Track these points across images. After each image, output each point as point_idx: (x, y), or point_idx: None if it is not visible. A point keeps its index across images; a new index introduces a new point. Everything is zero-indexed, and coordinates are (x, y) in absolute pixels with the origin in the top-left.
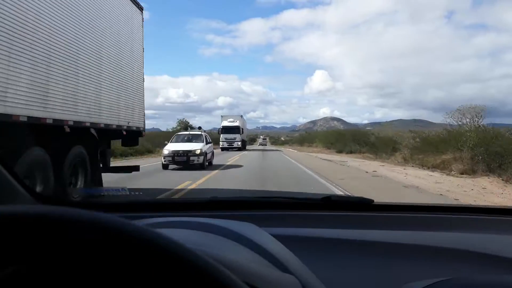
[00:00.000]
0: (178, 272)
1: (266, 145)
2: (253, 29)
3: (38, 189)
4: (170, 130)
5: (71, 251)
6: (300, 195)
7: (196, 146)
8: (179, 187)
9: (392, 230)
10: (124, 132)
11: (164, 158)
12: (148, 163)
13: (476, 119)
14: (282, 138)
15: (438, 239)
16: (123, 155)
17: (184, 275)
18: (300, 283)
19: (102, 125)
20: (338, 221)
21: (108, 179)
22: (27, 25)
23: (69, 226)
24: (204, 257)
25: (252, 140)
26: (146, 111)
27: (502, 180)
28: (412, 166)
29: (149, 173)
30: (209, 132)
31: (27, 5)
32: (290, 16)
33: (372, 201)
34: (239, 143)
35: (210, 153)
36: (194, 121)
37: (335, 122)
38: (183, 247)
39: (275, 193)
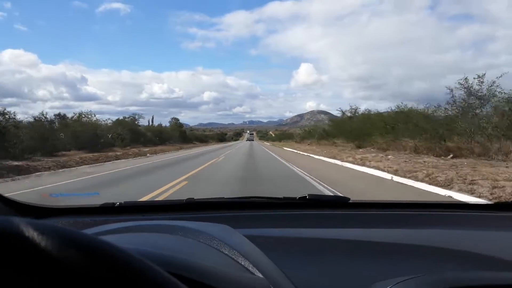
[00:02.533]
0: (104, 274)
1: (253, 140)
2: (237, 22)
3: None
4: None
5: None
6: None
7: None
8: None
9: (367, 228)
10: None
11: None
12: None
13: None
14: (271, 133)
15: (412, 236)
16: None
17: (110, 276)
18: (270, 285)
19: None
20: (314, 220)
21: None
22: None
23: None
24: (137, 257)
25: (238, 135)
26: (130, 108)
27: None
28: None
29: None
30: (195, 128)
31: None
32: (274, 8)
33: (349, 199)
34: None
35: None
36: (180, 117)
37: (322, 115)
38: (121, 250)
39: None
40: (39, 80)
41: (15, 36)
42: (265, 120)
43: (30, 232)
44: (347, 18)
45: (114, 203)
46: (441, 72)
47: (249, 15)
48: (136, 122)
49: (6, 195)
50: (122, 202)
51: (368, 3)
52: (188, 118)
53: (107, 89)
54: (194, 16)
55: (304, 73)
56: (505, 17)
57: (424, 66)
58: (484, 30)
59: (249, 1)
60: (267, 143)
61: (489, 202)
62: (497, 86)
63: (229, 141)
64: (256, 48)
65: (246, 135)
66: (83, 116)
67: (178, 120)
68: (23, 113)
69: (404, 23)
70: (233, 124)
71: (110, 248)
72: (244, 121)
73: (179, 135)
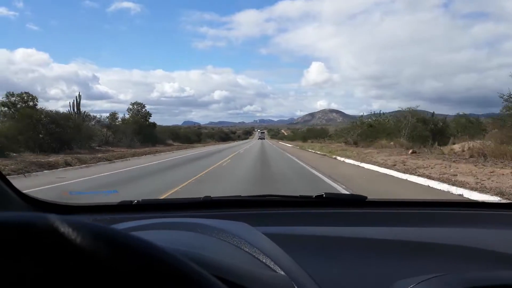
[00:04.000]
0: (153, 275)
1: (264, 139)
2: (247, 21)
3: None
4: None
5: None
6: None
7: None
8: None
9: (385, 227)
10: None
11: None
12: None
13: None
14: (283, 131)
15: (431, 235)
16: None
17: (160, 278)
18: (292, 282)
19: None
20: (332, 218)
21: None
22: None
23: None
24: (182, 259)
25: (247, 134)
26: None
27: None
28: None
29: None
30: (205, 126)
31: None
32: (285, 7)
33: (366, 197)
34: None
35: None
36: (191, 116)
37: (334, 114)
38: (156, 248)
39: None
40: (51, 79)
41: (27, 35)
42: (275, 119)
43: (66, 228)
44: (359, 17)
45: (131, 201)
46: (454, 71)
47: (260, 14)
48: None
49: (26, 191)
50: (140, 200)
51: (380, 2)
52: (198, 117)
53: (119, 88)
54: (204, 15)
55: (315, 72)
56: None
57: (436, 65)
58: (499, 28)
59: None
60: (288, 145)
61: (508, 201)
62: None
63: (235, 140)
64: (266, 47)
65: (257, 134)
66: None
67: (143, 106)
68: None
69: (416, 22)
70: (243, 122)
71: (142, 244)
72: (254, 120)
73: (142, 131)
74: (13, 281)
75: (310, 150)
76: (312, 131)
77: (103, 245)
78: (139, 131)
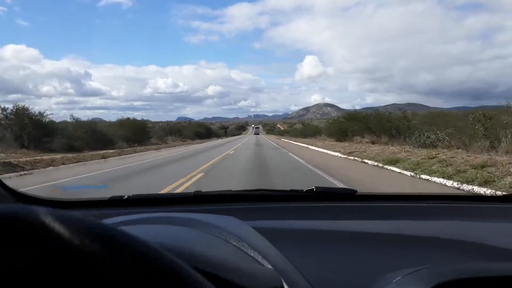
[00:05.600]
0: (133, 267)
1: (259, 134)
2: (240, 15)
3: None
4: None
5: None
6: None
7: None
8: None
9: (375, 220)
10: None
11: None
12: None
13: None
14: (279, 126)
15: (420, 228)
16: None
17: (140, 271)
18: (280, 275)
19: None
20: (322, 212)
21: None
22: None
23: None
24: (164, 253)
25: (241, 129)
26: (135, 103)
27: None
28: None
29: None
30: (200, 122)
31: None
32: (278, 0)
33: (356, 191)
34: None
35: None
36: (185, 111)
37: (329, 108)
38: (138, 240)
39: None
40: (43, 76)
41: (17, 31)
42: (270, 114)
43: (52, 221)
44: (352, 9)
45: (122, 196)
46: (448, 63)
47: (252, 7)
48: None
49: (22, 190)
50: (130, 195)
51: None
52: (193, 112)
53: (112, 84)
54: (196, 8)
55: (308, 65)
56: None
57: (430, 58)
58: (492, 19)
59: None
60: (292, 143)
61: (500, 194)
62: None
63: (220, 137)
64: (259, 41)
65: (251, 129)
66: None
67: None
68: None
69: (410, 14)
70: (238, 118)
71: (131, 240)
72: (249, 115)
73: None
74: None
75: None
76: (309, 126)
77: (91, 240)
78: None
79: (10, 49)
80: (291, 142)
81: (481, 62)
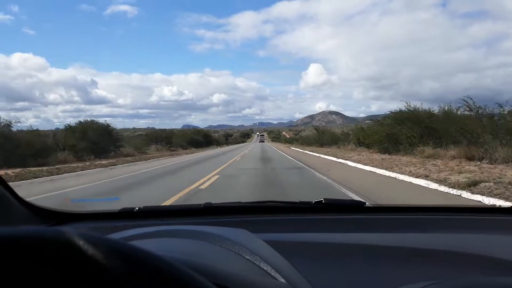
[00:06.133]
0: (153, 284)
1: (264, 141)
2: (245, 23)
3: None
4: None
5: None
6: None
7: None
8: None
9: (384, 233)
10: None
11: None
12: None
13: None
14: (284, 133)
15: (431, 241)
16: None
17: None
18: None
19: None
20: (331, 224)
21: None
22: None
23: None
24: (183, 269)
25: (245, 136)
26: (140, 111)
27: None
28: None
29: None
30: (198, 129)
31: None
32: (282, 8)
33: (364, 203)
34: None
35: None
36: (190, 119)
37: (334, 116)
38: (161, 259)
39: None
40: (50, 84)
41: (24, 39)
42: (275, 122)
43: (80, 242)
44: (356, 17)
45: (133, 208)
46: (453, 71)
47: (257, 15)
48: None
49: (28, 199)
50: (141, 206)
51: (377, 2)
52: (198, 120)
53: (118, 92)
54: (201, 17)
55: (313, 73)
56: None
57: (435, 65)
58: (497, 27)
59: (256, 1)
60: (314, 155)
61: (509, 206)
62: None
63: (221, 145)
64: (264, 49)
65: (255, 137)
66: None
67: None
68: (35, 117)
69: (415, 22)
70: (242, 125)
71: (154, 259)
72: (254, 123)
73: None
74: None
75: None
76: (326, 132)
77: (118, 261)
78: None
79: (17, 58)
80: (311, 153)
81: (486, 69)
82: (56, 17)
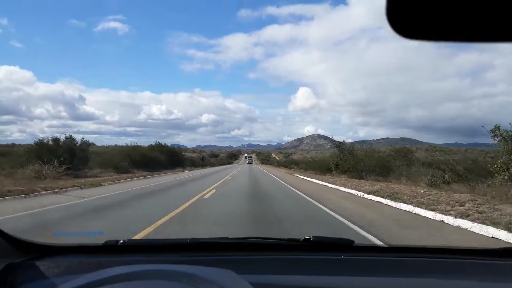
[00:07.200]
0: None
1: (252, 163)
2: (235, 45)
3: None
4: None
5: None
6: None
7: None
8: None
9: (372, 277)
10: None
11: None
12: None
13: None
14: (274, 156)
15: (420, 286)
16: None
17: None
18: None
19: None
20: (318, 264)
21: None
22: None
23: None
24: None
25: (232, 157)
26: (128, 129)
27: None
28: None
29: None
30: (161, 145)
31: None
32: (272, 32)
33: (353, 242)
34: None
35: None
36: (179, 139)
37: (322, 140)
38: None
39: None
40: (36, 98)
41: (11, 52)
42: (263, 144)
43: None
44: (345, 43)
45: (117, 241)
46: (439, 99)
47: (247, 38)
48: None
49: (13, 234)
50: (126, 240)
51: (366, 28)
52: (186, 140)
53: (106, 109)
54: (192, 37)
55: (302, 97)
56: (504, 46)
57: (422, 93)
58: (482, 58)
59: (247, 24)
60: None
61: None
62: None
63: (197, 166)
64: (254, 71)
65: (243, 158)
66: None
67: None
68: (20, 131)
69: (402, 50)
70: (231, 146)
71: None
72: (242, 144)
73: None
74: None
75: None
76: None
77: None
78: None
79: (3, 70)
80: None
81: (472, 99)
82: (45, 31)
